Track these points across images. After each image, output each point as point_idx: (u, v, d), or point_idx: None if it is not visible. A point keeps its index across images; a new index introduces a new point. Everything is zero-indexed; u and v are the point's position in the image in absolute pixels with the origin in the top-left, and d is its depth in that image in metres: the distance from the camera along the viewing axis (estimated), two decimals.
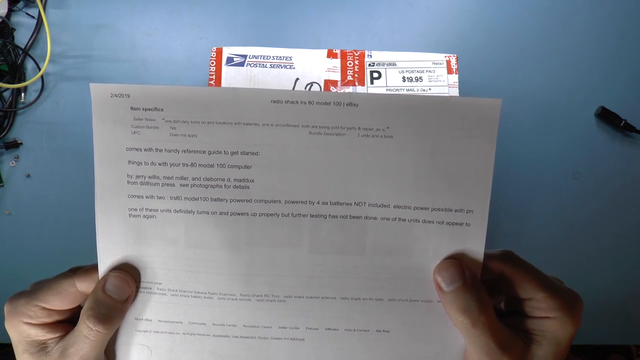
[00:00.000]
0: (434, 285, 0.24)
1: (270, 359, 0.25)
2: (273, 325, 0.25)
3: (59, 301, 0.24)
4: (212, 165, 0.23)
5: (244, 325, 0.25)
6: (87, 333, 0.23)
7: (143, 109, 0.23)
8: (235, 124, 0.23)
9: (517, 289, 0.23)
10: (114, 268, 0.24)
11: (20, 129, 0.51)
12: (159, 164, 0.23)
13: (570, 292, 0.23)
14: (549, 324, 0.23)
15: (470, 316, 0.22)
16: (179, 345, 0.25)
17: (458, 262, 0.23)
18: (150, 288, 0.25)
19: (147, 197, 0.24)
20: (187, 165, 0.23)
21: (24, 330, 0.24)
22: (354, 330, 0.25)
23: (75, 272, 0.25)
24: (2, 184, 0.50)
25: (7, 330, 0.24)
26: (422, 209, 0.23)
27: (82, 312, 0.23)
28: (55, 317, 0.24)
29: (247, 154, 0.23)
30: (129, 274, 0.24)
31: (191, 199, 0.24)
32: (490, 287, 0.24)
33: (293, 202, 0.24)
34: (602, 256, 0.51)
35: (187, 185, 0.23)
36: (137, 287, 0.24)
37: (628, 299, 0.51)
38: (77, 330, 0.23)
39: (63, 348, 0.23)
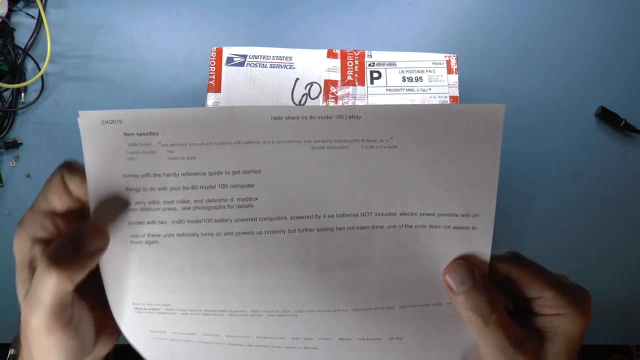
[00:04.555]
0: (445, 286, 0.23)
1: None
2: (286, 336, 0.24)
3: (57, 197, 0.22)
4: (213, 187, 0.22)
5: (257, 337, 0.24)
6: (42, 273, 0.21)
7: (137, 134, 0.22)
8: (235, 143, 0.22)
9: (525, 289, 0.23)
10: (93, 212, 0.22)
11: (20, 129, 0.51)
12: (159, 189, 0.22)
13: (578, 288, 0.23)
14: (560, 320, 0.23)
15: (482, 315, 0.22)
16: (197, 350, 0.25)
17: (467, 263, 0.23)
18: (159, 309, 0.24)
19: (148, 222, 0.23)
20: (188, 188, 0.22)
21: (25, 249, 0.22)
22: (367, 339, 0.24)
23: (62, 166, 0.23)
24: (2, 184, 0.50)
25: (14, 253, 0.23)
26: (428, 214, 0.23)
27: (44, 249, 0.22)
28: (60, 223, 0.23)
29: (249, 172, 0.23)
30: (106, 227, 0.22)
31: (194, 221, 0.23)
32: (497, 289, 0.24)
33: (298, 217, 0.23)
34: (602, 256, 0.51)
35: (189, 208, 0.23)
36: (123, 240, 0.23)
37: (628, 299, 0.51)
38: (37, 267, 0.21)
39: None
